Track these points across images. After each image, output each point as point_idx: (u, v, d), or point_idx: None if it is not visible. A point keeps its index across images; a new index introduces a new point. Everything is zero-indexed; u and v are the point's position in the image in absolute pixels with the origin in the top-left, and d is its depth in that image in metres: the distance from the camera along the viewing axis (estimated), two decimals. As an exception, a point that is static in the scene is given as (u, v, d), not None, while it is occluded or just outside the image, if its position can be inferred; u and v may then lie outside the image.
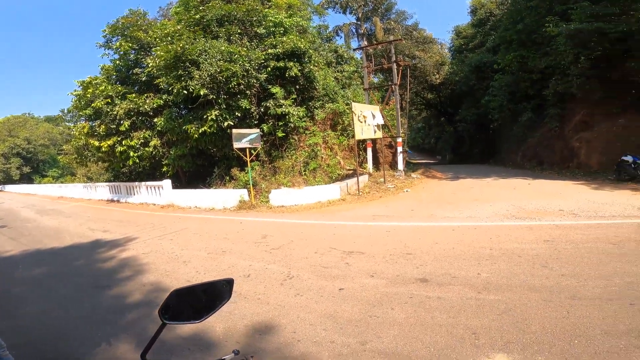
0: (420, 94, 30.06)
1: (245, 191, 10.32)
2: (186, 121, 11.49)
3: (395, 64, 14.90)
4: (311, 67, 12.67)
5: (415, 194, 10.59)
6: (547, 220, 6.00)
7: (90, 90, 13.29)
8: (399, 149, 14.28)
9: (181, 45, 10.55)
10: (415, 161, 27.84)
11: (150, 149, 12.99)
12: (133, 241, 7.24)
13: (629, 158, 9.44)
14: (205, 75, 10.35)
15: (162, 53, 10.77)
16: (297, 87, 12.55)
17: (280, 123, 12.16)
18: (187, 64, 10.64)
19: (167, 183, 12.57)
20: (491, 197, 8.74)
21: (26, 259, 6.62)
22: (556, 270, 3.74)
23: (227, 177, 12.20)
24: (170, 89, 11.26)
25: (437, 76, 26.01)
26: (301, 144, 12.98)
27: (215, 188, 11.94)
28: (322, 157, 12.74)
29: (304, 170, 11.96)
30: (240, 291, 4.00)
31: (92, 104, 13.11)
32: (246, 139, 10.20)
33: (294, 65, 11.71)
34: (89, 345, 3.11)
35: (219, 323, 3.25)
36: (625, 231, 5.00)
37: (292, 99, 12.24)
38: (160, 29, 13.01)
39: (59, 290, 4.69)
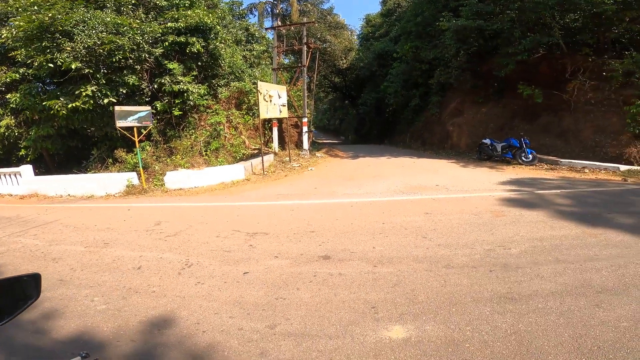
0: (328, 77, 31.04)
1: (134, 174, 9.07)
2: (51, 97, 9.63)
3: (305, 46, 14.95)
4: (217, 44, 12.02)
5: (319, 172, 10.98)
6: (427, 194, 6.92)
7: None
8: (305, 128, 14.53)
9: (51, 14, 8.93)
10: (321, 141, 28.90)
11: (2, 130, 10.66)
12: None
13: (487, 141, 11.60)
14: (80, 47, 9.04)
15: (22, 23, 8.92)
16: (200, 64, 11.84)
17: (177, 101, 11.26)
18: (57, 35, 9.05)
19: (27, 169, 10.09)
20: (384, 174, 9.66)
21: None
22: (434, 241, 4.31)
23: (110, 160, 10.64)
24: (29, 62, 9.40)
25: (344, 61, 27.17)
26: (202, 123, 12.14)
27: (95, 172, 10.18)
28: (225, 137, 12.11)
29: (205, 151, 11.23)
30: (130, 285, 3.57)
31: None
32: (133, 117, 8.90)
33: (197, 41, 11.04)
34: None
35: (106, 322, 2.85)
36: (483, 203, 6.12)
37: (192, 75, 11.47)
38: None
39: None
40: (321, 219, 5.60)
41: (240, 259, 4.12)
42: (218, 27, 12.04)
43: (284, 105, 12.21)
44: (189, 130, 11.79)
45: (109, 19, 9.65)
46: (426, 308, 2.83)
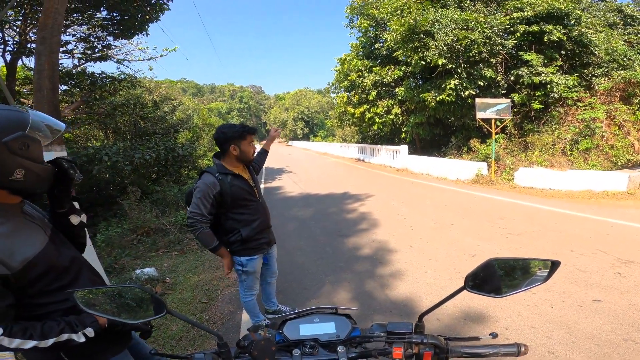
0: None
1: (484, 165, 9.27)
2: (424, 90, 11.63)
3: None
4: (582, 29, 9.91)
5: None
6: None
7: (345, 66, 15.73)
8: None
9: (412, 17, 10.57)
10: None
11: (392, 117, 14.09)
12: (371, 198, 8.14)
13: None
14: (442, 45, 10.11)
15: (396, 27, 11.09)
16: (563, 52, 10.27)
17: (537, 93, 10.17)
18: (422, 35, 10.61)
19: (404, 148, 13.31)
20: None
21: (300, 200, 8.66)
22: None
23: (465, 148, 11.51)
24: (408, 60, 11.68)
25: None
26: (569, 118, 10.11)
27: (450, 158, 11.48)
28: (602, 136, 9.37)
29: (570, 150, 9.29)
30: (460, 269, 3.73)
31: (348, 77, 15.40)
32: (492, 109, 8.97)
33: (555, 29, 9.74)
34: (318, 284, 3.69)
35: (427, 295, 3.19)
36: None
37: (555, 66, 10.04)
38: (388, 4, 13.16)
39: (313, 232, 5.74)
40: None
41: (597, 284, 3.16)
42: (577, 12, 10.31)
43: None
44: (551, 125, 10.23)
45: (456, 16, 10.14)
46: None
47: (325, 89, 65.11)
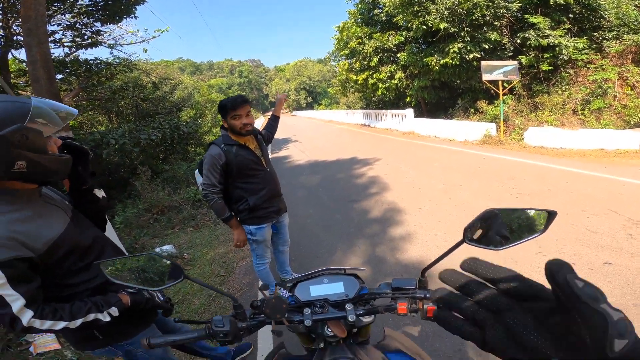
0: None
1: (492, 125, 9.09)
2: (427, 54, 11.44)
3: None
4: None
5: None
6: None
7: (344, 34, 15.29)
8: None
9: None
10: None
11: (396, 82, 13.96)
12: (378, 162, 8.17)
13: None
14: (443, 8, 9.85)
15: None
16: (571, 16, 9.80)
17: (546, 55, 9.90)
18: None
19: (409, 112, 13.08)
20: None
21: (308, 168, 8.74)
22: None
23: (472, 110, 11.30)
24: (408, 25, 11.46)
25: None
26: (580, 79, 9.79)
27: (457, 119, 11.27)
28: (614, 96, 9.06)
29: (582, 110, 9.05)
30: None
31: (348, 45, 15.01)
32: (499, 71, 8.78)
33: None
34: (330, 251, 3.79)
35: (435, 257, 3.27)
36: None
37: (563, 29, 9.62)
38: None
39: (322, 199, 5.83)
40: None
41: (607, 245, 3.14)
42: None
43: None
44: (561, 86, 9.97)
45: None
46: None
47: (326, 58, 63.00)
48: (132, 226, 5.59)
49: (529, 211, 0.79)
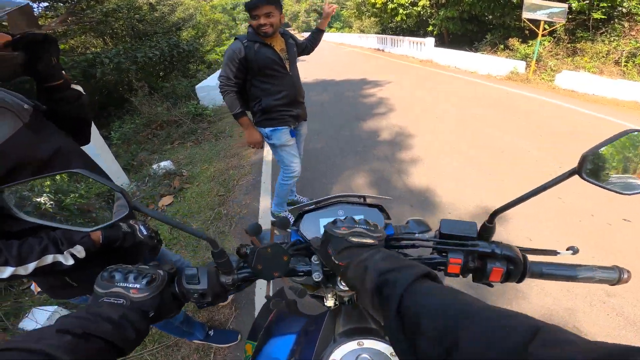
0: None
1: (521, 63, 8.33)
2: None
3: None
4: None
5: None
6: None
7: None
8: None
9: None
10: None
11: (418, 9, 12.99)
12: (390, 84, 7.79)
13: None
14: None
15: None
16: None
17: (602, 4, 8.49)
18: None
19: (430, 40, 12.01)
20: None
21: (317, 86, 8.38)
22: None
23: (501, 46, 10.34)
24: None
25: None
26: (632, 33, 8.69)
27: (482, 53, 10.33)
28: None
29: (625, 62, 8.20)
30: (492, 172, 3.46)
31: None
32: (543, 11, 7.80)
33: None
34: (336, 169, 3.62)
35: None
36: None
37: None
38: None
39: (331, 115, 5.63)
40: None
41: (628, 200, 2.83)
42: None
43: None
44: (610, 36, 8.88)
45: None
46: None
47: (342, -22, 57.17)
48: (129, 142, 5.37)
49: None
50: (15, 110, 0.89)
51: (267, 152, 4.21)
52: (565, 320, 1.85)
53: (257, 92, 2.22)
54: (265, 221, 2.90)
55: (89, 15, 8.14)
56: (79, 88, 1.08)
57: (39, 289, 2.07)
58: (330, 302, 0.66)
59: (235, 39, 2.13)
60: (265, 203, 3.18)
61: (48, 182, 0.61)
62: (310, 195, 3.09)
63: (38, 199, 0.62)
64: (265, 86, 2.20)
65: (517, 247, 0.57)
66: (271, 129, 2.30)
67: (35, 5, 7.50)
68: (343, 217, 0.57)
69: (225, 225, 2.91)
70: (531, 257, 0.57)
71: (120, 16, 8.90)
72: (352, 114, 5.61)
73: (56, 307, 2.01)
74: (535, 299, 1.98)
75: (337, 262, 0.51)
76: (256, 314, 2.01)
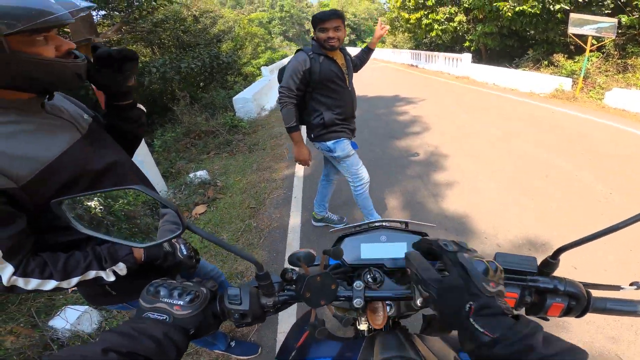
0: None
1: (567, 80, 7.89)
2: None
3: None
4: None
5: None
6: None
7: None
8: None
9: None
10: None
11: (455, 24, 12.85)
12: (424, 101, 7.65)
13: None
14: None
15: None
16: None
17: None
18: None
19: (467, 56, 11.72)
20: None
21: None
22: None
23: (545, 62, 9.88)
24: None
25: None
26: None
27: (524, 70, 9.92)
28: None
29: None
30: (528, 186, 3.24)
31: None
32: (591, 26, 7.47)
33: None
34: (370, 188, 3.45)
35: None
36: None
37: None
38: None
39: (362, 132, 5.50)
40: None
41: None
42: None
43: None
44: None
45: None
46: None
47: (373, -6, 57.53)
48: (170, 150, 5.64)
49: None
50: (75, 122, 0.91)
51: (299, 168, 4.25)
52: (607, 349, 1.71)
53: (316, 105, 2.22)
54: (294, 236, 2.91)
55: (140, 25, 8.67)
56: (143, 108, 1.13)
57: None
58: (363, 326, 0.67)
59: (300, 50, 2.16)
60: (295, 218, 3.19)
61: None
62: (341, 214, 3.06)
63: (89, 203, 0.66)
64: (327, 100, 2.20)
65: (580, 282, 0.55)
66: (333, 141, 2.29)
67: (94, 13, 8.13)
68: (494, 268, 0.47)
69: (254, 237, 2.94)
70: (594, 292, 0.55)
71: (167, 27, 9.42)
72: (385, 132, 5.55)
73: (87, 307, 2.07)
74: (577, 327, 1.84)
75: (481, 329, 0.40)
76: (278, 328, 2.03)
